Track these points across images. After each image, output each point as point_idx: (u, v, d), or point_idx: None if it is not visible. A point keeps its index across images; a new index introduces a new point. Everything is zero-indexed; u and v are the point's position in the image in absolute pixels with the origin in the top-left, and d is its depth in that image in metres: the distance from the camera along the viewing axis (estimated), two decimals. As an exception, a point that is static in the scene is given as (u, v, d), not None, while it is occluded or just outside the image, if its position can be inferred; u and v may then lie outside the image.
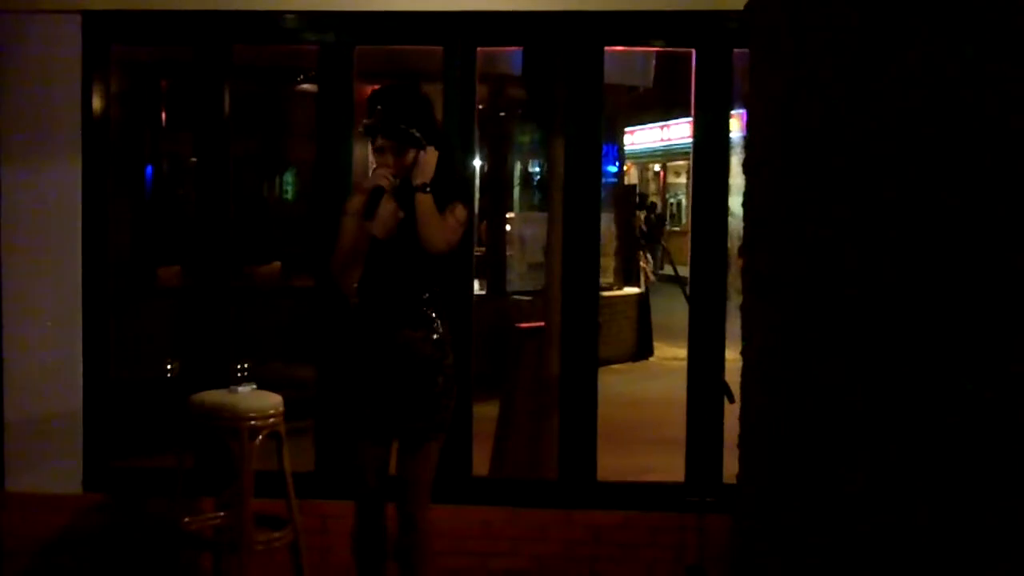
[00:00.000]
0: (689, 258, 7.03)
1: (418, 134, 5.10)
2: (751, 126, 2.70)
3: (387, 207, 5.17)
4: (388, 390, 5.20)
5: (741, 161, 2.75)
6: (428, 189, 5.10)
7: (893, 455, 2.22)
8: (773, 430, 2.49)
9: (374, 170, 5.16)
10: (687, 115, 7.31)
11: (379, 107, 5.19)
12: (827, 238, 2.29)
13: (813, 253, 2.33)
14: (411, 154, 5.12)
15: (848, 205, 2.25)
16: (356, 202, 5.27)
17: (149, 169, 13.43)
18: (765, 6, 2.69)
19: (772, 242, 2.52)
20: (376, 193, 5.03)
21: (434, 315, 5.22)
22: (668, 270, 21.59)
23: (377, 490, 5.36)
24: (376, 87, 5.42)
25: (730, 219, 6.85)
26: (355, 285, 5.30)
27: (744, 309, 2.68)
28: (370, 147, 5.28)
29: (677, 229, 28.43)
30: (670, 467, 7.17)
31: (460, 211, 5.31)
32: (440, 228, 5.18)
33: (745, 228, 2.70)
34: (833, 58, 2.32)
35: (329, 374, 6.93)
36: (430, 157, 5.17)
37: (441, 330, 5.22)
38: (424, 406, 5.23)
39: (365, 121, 5.25)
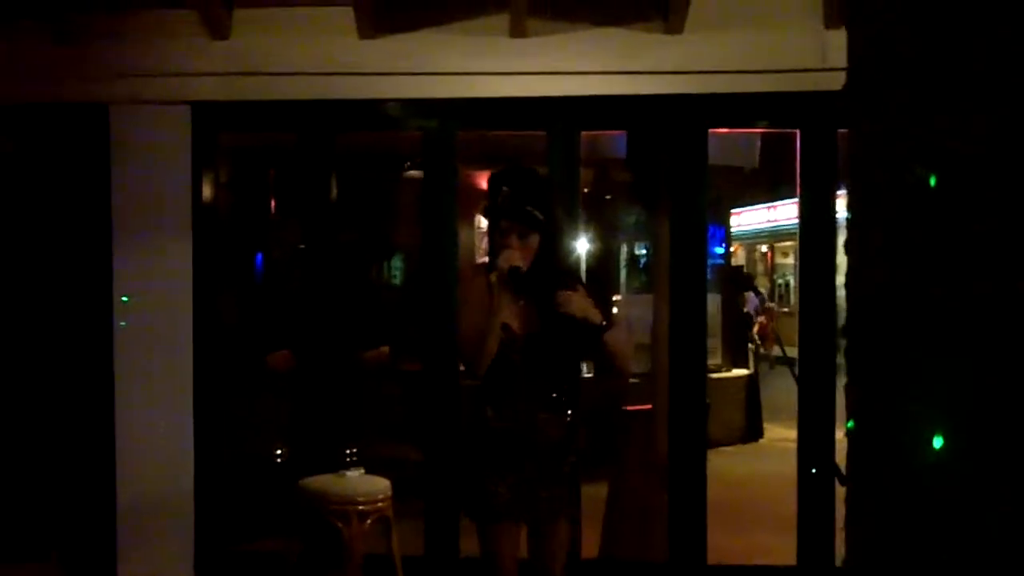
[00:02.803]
0: (798, 338, 6.98)
1: (542, 217, 5.07)
2: (852, 206, 2.69)
3: (516, 301, 5.14)
4: (522, 472, 5.15)
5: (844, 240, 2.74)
6: (606, 324, 5.09)
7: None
8: (881, 510, 2.45)
9: (503, 252, 5.09)
10: (793, 195, 7.28)
11: (505, 188, 5.15)
12: (935, 313, 2.27)
13: (920, 330, 2.31)
14: (535, 238, 5.09)
15: (956, 283, 2.22)
16: (476, 286, 5.19)
17: (259, 256, 13.61)
18: (863, 84, 2.68)
19: (875, 319, 2.50)
20: (516, 271, 4.98)
21: (566, 399, 5.17)
22: (777, 350, 21.40)
23: (511, 571, 5.31)
24: (478, 170, 5.40)
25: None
26: (485, 369, 5.24)
27: (848, 388, 2.65)
28: (487, 228, 5.23)
29: (786, 309, 28.18)
30: (781, 550, 7.07)
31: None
32: (628, 359, 5.32)
33: (848, 307, 2.67)
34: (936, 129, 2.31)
35: (455, 456, 6.95)
36: (533, 241, 5.14)
37: (569, 413, 5.17)
38: (556, 487, 5.18)
39: (487, 202, 5.22)
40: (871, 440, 2.53)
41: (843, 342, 2.69)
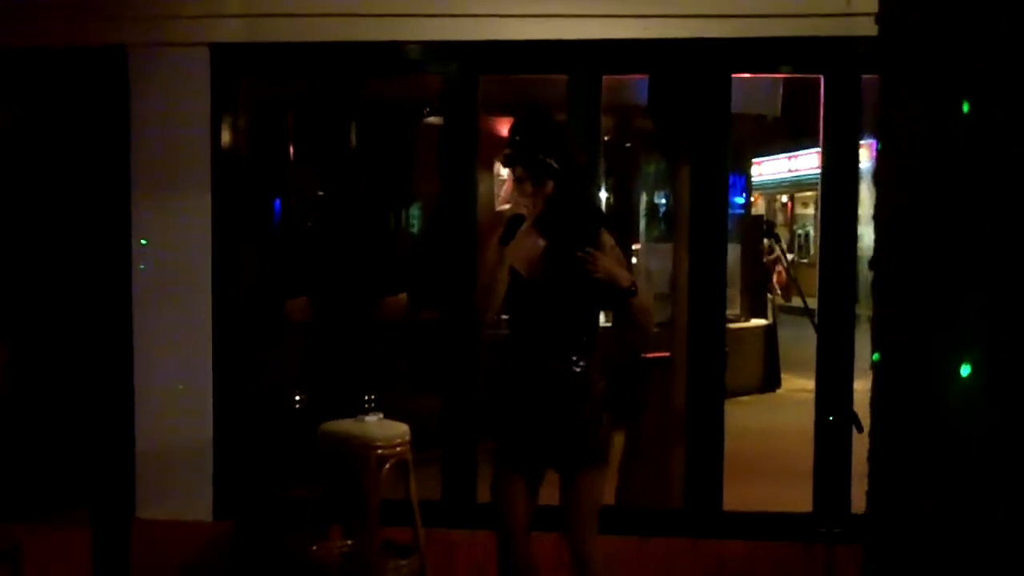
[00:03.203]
0: (817, 289, 6.94)
1: (556, 165, 5.05)
2: (884, 135, 2.66)
3: (533, 242, 5.13)
4: (533, 421, 5.14)
5: (871, 175, 2.70)
6: (635, 288, 5.04)
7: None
8: (907, 444, 2.43)
9: (514, 198, 5.09)
10: (815, 145, 7.22)
11: (517, 137, 5.15)
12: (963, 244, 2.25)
13: (946, 258, 2.29)
14: (550, 184, 5.07)
15: (987, 209, 2.21)
16: (494, 233, 5.18)
17: (277, 202, 13.56)
18: (900, 21, 2.65)
19: (904, 250, 2.48)
20: (515, 221, 4.98)
21: (579, 349, 5.14)
22: (796, 301, 21.34)
23: (518, 520, 5.30)
24: (498, 117, 5.37)
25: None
26: (494, 318, 5.25)
27: (875, 320, 2.62)
28: (509, 175, 5.22)
29: (805, 260, 28.08)
30: (797, 499, 7.07)
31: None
32: (652, 316, 5.26)
33: (877, 240, 2.65)
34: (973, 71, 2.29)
35: (472, 403, 6.99)
36: (547, 188, 5.11)
37: (583, 362, 5.13)
38: (571, 435, 5.16)
39: (505, 151, 5.21)
40: (896, 372, 2.51)
41: (871, 274, 2.65)
